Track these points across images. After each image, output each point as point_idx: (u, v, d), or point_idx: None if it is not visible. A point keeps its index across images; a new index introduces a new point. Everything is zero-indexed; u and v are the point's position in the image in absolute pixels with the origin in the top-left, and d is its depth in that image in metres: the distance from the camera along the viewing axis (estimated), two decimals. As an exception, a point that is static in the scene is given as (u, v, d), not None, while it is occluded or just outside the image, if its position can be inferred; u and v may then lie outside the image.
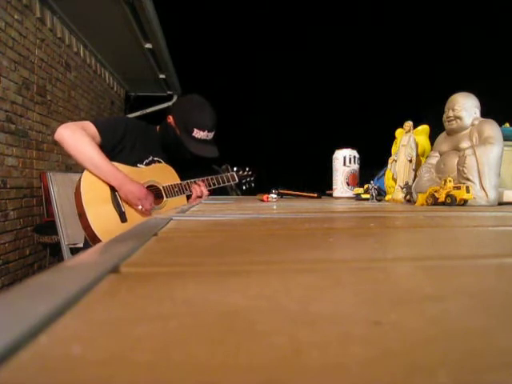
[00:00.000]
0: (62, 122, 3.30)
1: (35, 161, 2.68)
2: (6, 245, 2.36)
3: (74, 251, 1.58)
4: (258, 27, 7.37)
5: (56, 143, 1.34)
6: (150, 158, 1.45)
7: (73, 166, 3.09)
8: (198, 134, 1.41)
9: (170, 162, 1.51)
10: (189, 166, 1.51)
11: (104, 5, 2.79)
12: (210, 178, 1.52)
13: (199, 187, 1.48)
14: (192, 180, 1.48)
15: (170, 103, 4.81)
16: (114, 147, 1.36)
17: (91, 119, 1.40)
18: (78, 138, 1.28)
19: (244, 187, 1.64)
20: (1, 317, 0.14)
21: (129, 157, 1.38)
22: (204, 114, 1.44)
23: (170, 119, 1.47)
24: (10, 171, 2.38)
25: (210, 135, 1.45)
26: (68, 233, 1.58)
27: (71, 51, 3.24)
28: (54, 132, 1.33)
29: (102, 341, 0.12)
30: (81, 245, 1.54)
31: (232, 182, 1.58)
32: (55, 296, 0.15)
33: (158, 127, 1.53)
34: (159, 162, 1.46)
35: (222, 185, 1.55)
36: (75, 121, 3.25)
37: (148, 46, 3.52)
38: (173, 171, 1.48)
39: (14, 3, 2.39)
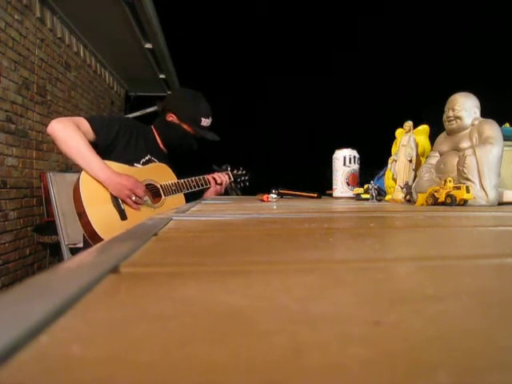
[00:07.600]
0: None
1: (35, 161, 2.68)
2: (6, 245, 2.35)
3: (74, 251, 1.58)
4: (258, 26, 7.37)
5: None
6: (147, 157, 1.45)
7: (73, 166, 3.09)
8: (205, 122, 1.49)
9: (170, 161, 1.51)
10: (189, 166, 1.52)
11: (104, 5, 2.79)
12: (204, 177, 1.54)
13: (219, 176, 1.54)
14: (189, 179, 1.49)
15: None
16: (108, 145, 1.35)
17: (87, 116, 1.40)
18: (69, 132, 1.28)
19: (239, 186, 1.66)
20: (1, 317, 0.14)
21: (123, 156, 1.37)
22: (203, 103, 1.51)
23: (173, 117, 1.48)
24: (9, 171, 2.38)
25: (210, 121, 1.52)
26: (68, 233, 1.58)
27: (71, 51, 3.24)
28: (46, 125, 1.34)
29: (101, 341, 0.12)
30: (81, 245, 1.54)
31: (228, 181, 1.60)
32: (55, 296, 0.15)
33: (153, 127, 1.54)
34: (155, 161, 1.47)
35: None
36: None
37: (148, 45, 3.53)
38: (169, 170, 1.48)
39: (14, 3, 2.39)
